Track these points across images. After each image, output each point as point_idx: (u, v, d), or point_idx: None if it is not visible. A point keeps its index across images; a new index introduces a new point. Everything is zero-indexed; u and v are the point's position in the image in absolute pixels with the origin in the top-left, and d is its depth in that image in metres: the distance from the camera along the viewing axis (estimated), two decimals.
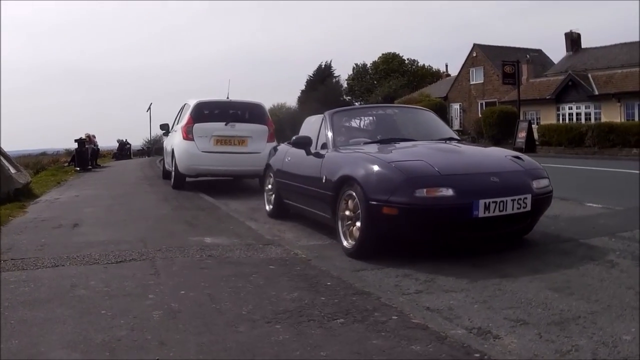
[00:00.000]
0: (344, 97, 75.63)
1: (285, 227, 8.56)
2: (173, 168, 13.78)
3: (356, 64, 79.98)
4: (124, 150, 44.86)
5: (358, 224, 6.37)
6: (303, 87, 76.10)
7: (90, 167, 25.69)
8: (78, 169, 24.50)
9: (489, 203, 5.92)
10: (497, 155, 7.15)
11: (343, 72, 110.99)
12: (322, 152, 7.68)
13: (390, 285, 5.29)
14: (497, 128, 38.69)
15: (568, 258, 6.07)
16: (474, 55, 54.12)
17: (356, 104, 75.35)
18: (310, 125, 8.80)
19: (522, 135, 33.54)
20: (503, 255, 6.27)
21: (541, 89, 42.58)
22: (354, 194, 6.42)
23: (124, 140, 46.24)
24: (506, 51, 50.61)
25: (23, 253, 6.49)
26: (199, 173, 13.45)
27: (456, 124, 53.33)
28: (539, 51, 55.45)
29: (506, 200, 6.01)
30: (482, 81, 53.18)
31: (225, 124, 13.08)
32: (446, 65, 78.60)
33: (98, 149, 30.19)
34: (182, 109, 15.15)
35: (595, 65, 42.39)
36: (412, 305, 4.50)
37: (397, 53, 78.87)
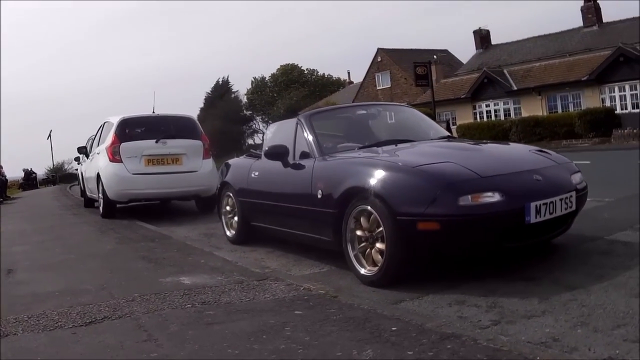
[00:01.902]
0: (245, 112, 75.16)
1: (260, 255, 7.29)
2: (100, 195, 12.18)
3: (255, 78, 79.38)
4: (30, 180, 42.97)
5: (378, 245, 5.22)
6: (202, 105, 75.12)
7: (0, 199, 23.90)
8: None
9: (540, 206, 5.03)
10: (523, 151, 6.26)
11: (242, 86, 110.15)
12: (306, 162, 6.43)
13: (454, 317, 4.23)
14: None
15: (615, 258, 5.43)
16: (379, 59, 54.11)
17: (258, 118, 75.12)
18: (279, 133, 7.54)
19: None
20: (543, 264, 5.52)
21: (455, 88, 42.49)
22: (369, 208, 5.24)
23: (29, 169, 44.32)
24: (412, 53, 50.63)
25: None
26: (132, 198, 11.95)
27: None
28: (446, 51, 55.97)
29: (555, 201, 5.17)
30: (389, 85, 53.20)
31: (156, 142, 11.67)
32: (348, 73, 79.04)
33: (6, 180, 28.14)
34: (101, 128, 13.66)
35: (509, 60, 42.45)
36: (519, 343, 3.49)
37: (296, 64, 78.53)
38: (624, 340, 3.51)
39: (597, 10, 40.32)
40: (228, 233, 8.36)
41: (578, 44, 39.07)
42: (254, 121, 77.23)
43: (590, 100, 32.83)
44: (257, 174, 7.43)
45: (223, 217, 8.50)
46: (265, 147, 7.17)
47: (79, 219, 12.93)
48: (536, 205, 4.97)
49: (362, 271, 5.37)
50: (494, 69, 40.14)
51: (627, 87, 31.49)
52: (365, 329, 3.82)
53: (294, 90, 70.11)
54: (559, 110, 35.01)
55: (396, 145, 6.36)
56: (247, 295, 4.97)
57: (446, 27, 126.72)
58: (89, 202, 15.10)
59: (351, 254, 5.51)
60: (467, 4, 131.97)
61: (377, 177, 5.23)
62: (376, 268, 5.23)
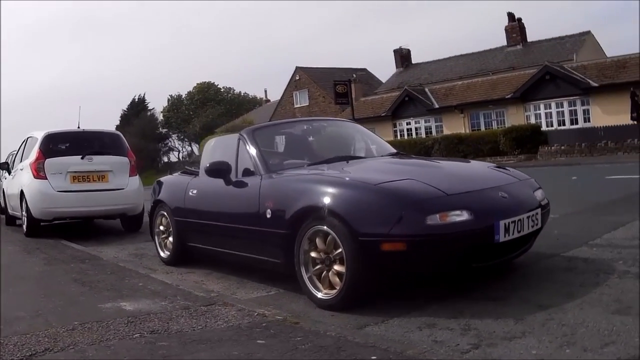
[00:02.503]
0: (160, 129, 74.49)
1: (199, 277, 6.87)
2: (24, 212, 11.47)
3: (171, 96, 79.03)
4: None
5: (336, 267, 4.89)
6: (118, 122, 73.96)
7: None
8: None
9: (508, 224, 4.82)
10: (482, 168, 6.11)
11: (159, 104, 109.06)
12: (250, 179, 6.04)
13: (428, 342, 3.94)
14: None
15: (580, 275, 5.29)
16: (297, 78, 54.18)
17: (173, 136, 74.51)
18: (218, 149, 7.13)
19: None
20: (506, 282, 5.33)
21: (375, 106, 42.46)
22: (326, 229, 4.90)
23: None
24: (331, 72, 51.26)
25: None
26: (57, 216, 11.32)
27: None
28: (365, 70, 56.24)
29: (523, 219, 4.98)
30: (307, 104, 53.17)
31: (82, 158, 11.11)
32: (265, 91, 79.51)
33: None
34: (24, 143, 13.01)
35: (430, 79, 43.06)
36: None
37: (212, 82, 78.53)
38: (618, 359, 3.36)
39: (522, 29, 41.59)
40: (162, 254, 7.89)
41: (501, 63, 40.21)
42: (170, 139, 76.59)
43: (514, 117, 33.26)
44: (195, 192, 7.00)
45: (156, 237, 8.02)
46: (205, 164, 6.76)
47: (1, 238, 12.12)
48: (505, 224, 4.77)
49: (319, 295, 5.02)
50: (415, 87, 40.40)
51: (552, 105, 32.06)
52: None
53: (210, 108, 69.90)
54: (482, 127, 35.37)
55: (347, 162, 6.11)
56: (198, 322, 4.56)
57: (366, 47, 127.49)
58: (11, 220, 14.39)
59: (305, 277, 5.16)
60: (387, 24, 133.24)
61: (335, 195, 4.92)
62: (334, 291, 4.90)
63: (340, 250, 4.77)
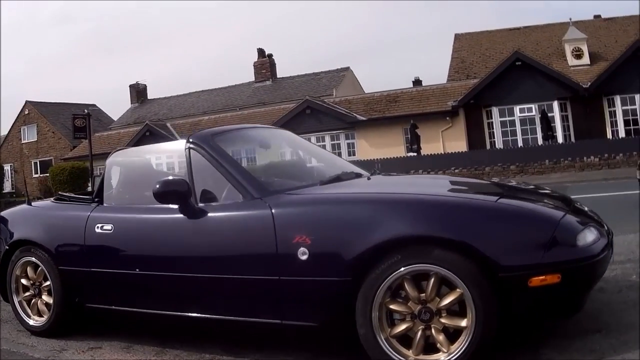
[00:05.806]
0: None
1: (121, 354, 4.75)
2: None
3: None
4: None
5: (445, 320, 3.56)
6: None
7: None
8: None
9: (612, 240, 4.05)
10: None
11: None
12: (238, 206, 4.30)
13: None
14: (69, 185, 35.83)
15: (619, 294, 4.80)
16: (27, 112, 51.88)
17: None
18: (136, 169, 5.81)
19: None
20: None
21: (112, 142, 40.92)
22: (428, 267, 3.54)
23: None
24: (62, 107, 50.97)
25: None
26: None
27: (8, 186, 49.10)
28: (94, 105, 55.08)
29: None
30: (35, 139, 51.08)
31: None
32: None
33: None
34: None
35: (170, 114, 42.65)
36: None
37: None
38: None
39: (272, 65, 42.73)
40: (30, 321, 5.51)
41: (250, 98, 41.04)
42: None
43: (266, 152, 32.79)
44: (109, 227, 4.91)
45: (15, 297, 5.61)
46: (155, 186, 4.52)
47: None
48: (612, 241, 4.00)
49: None
50: (156, 122, 39.62)
51: (312, 139, 32.14)
52: None
53: None
54: None
55: (369, 179, 4.86)
56: None
57: (95, 83, 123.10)
58: None
59: (381, 340, 3.66)
60: (117, 59, 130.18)
61: (442, 219, 3.63)
62: (440, 355, 3.53)
63: (456, 296, 3.50)
